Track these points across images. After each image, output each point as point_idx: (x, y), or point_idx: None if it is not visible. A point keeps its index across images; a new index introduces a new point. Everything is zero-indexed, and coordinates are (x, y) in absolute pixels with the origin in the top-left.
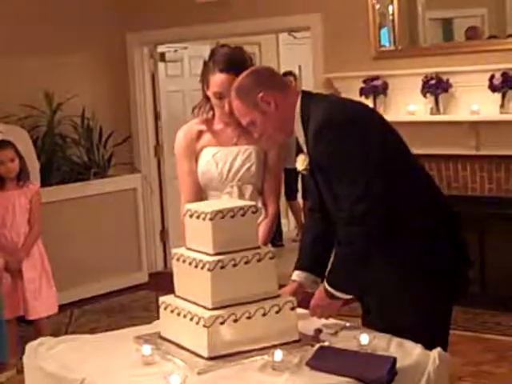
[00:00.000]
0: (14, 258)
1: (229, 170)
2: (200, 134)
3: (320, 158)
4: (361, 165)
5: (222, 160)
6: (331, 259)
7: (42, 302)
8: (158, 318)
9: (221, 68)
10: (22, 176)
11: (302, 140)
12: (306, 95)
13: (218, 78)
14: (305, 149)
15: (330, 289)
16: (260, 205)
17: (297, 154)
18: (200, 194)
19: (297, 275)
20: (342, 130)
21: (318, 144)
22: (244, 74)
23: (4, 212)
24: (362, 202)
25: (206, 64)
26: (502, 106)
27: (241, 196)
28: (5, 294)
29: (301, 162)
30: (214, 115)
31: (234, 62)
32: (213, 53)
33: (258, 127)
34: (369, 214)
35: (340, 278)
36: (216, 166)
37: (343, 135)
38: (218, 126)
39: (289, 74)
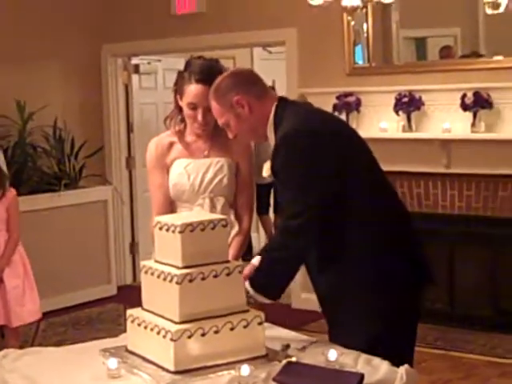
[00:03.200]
0: None
1: (201, 182)
2: (171, 145)
3: (276, 167)
4: (305, 185)
5: (194, 172)
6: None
7: (25, 309)
8: (125, 330)
9: (197, 78)
10: (1, 186)
11: (273, 146)
12: (282, 103)
13: (193, 89)
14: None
15: (250, 290)
16: (232, 218)
17: None
18: (170, 206)
19: (257, 260)
20: (297, 149)
21: (277, 154)
22: (224, 74)
23: None
24: (296, 220)
25: (180, 74)
26: (473, 124)
27: (212, 208)
28: None
29: (266, 168)
30: (185, 126)
31: (210, 73)
32: (188, 64)
33: (232, 129)
34: (301, 232)
35: (259, 282)
36: (188, 177)
37: (296, 155)
38: (189, 137)
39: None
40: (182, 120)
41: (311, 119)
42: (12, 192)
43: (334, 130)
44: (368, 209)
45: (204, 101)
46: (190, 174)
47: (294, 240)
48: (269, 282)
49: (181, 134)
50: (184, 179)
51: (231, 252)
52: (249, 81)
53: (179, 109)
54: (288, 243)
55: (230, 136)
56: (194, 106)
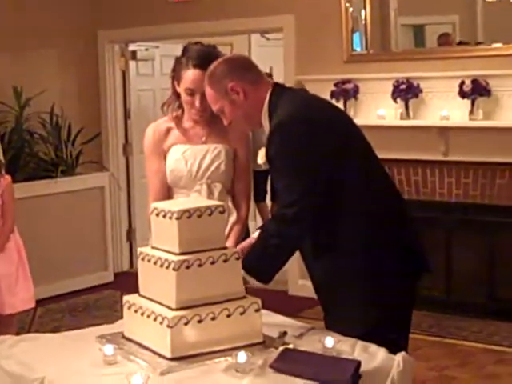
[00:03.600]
0: None
1: (198, 168)
2: (168, 131)
3: (270, 154)
4: (300, 173)
5: (192, 158)
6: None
7: (19, 297)
8: (122, 317)
9: (194, 64)
10: None
11: (267, 132)
12: (277, 90)
13: (191, 74)
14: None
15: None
16: (230, 204)
17: None
18: (167, 193)
19: (257, 234)
20: (292, 136)
21: (271, 141)
22: (218, 60)
23: None
24: (291, 208)
25: (178, 60)
26: (471, 112)
27: (210, 194)
28: None
29: (261, 156)
30: (183, 112)
31: (208, 58)
32: (186, 49)
33: (227, 115)
34: (296, 221)
35: (257, 266)
36: (185, 163)
37: (291, 142)
38: (187, 123)
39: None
40: (180, 106)
41: (307, 106)
42: (7, 179)
43: (330, 117)
44: (363, 197)
45: (201, 86)
46: (188, 159)
47: (288, 228)
48: (260, 266)
49: (178, 120)
50: (181, 165)
51: (230, 240)
52: (243, 67)
53: (177, 95)
54: (282, 231)
55: (225, 123)
56: (191, 92)
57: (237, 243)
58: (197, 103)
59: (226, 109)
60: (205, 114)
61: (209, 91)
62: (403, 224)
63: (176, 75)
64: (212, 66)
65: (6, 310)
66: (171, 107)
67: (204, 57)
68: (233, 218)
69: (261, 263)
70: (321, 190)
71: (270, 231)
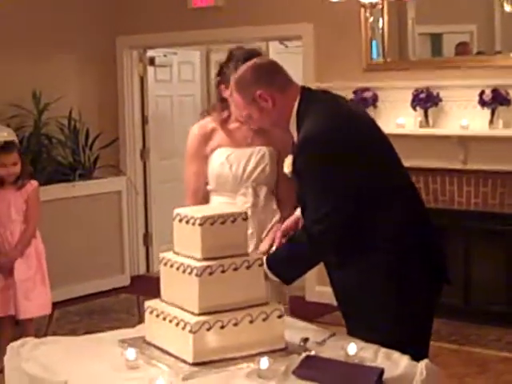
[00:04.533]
0: (7, 257)
1: (243, 172)
2: (213, 131)
3: (298, 168)
4: (328, 190)
5: (236, 162)
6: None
7: (35, 302)
8: (138, 321)
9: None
10: (22, 178)
11: (295, 139)
12: (306, 96)
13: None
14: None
15: (265, 266)
16: (274, 206)
17: None
18: (203, 196)
19: (299, 211)
20: (320, 152)
21: (299, 154)
22: (246, 66)
23: (1, 211)
24: (319, 225)
25: (225, 65)
26: (491, 121)
27: (255, 197)
28: None
29: (287, 165)
30: (229, 116)
31: None
32: (231, 54)
33: (254, 121)
34: (322, 237)
35: (281, 267)
36: (230, 167)
37: (318, 158)
38: (232, 124)
39: None
40: (224, 108)
41: (335, 119)
42: (33, 184)
43: (358, 128)
44: (389, 212)
45: None
46: (232, 163)
47: (314, 244)
48: (284, 269)
49: (224, 122)
50: (226, 169)
51: (269, 236)
52: (272, 73)
53: (222, 100)
54: (309, 245)
55: (252, 127)
56: None
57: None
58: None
59: (254, 115)
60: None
61: (236, 97)
62: (429, 236)
63: (224, 80)
64: (239, 72)
65: (21, 315)
66: (217, 111)
67: (251, 59)
68: (276, 218)
69: (284, 266)
70: (349, 207)
71: (298, 238)
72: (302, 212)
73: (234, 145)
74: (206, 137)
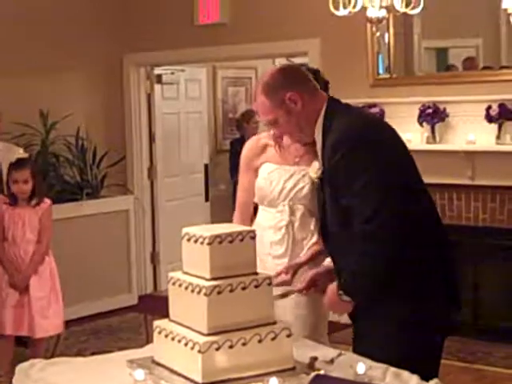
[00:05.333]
0: (21, 275)
1: (281, 190)
2: (265, 147)
3: (335, 169)
4: (374, 184)
5: (276, 179)
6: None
7: (50, 321)
8: (146, 340)
9: None
10: (36, 196)
11: (318, 146)
12: (333, 103)
13: None
14: (319, 156)
15: (342, 294)
16: (312, 227)
17: None
18: (249, 210)
19: (328, 261)
20: (361, 146)
21: (335, 154)
22: (273, 70)
23: (14, 228)
24: (370, 224)
25: None
26: (498, 137)
27: (291, 216)
28: (10, 310)
29: (314, 170)
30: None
31: None
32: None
33: (280, 126)
34: (378, 234)
35: (353, 288)
36: (270, 184)
37: (361, 152)
38: (284, 141)
39: None
40: None
41: (366, 121)
42: (47, 203)
43: (388, 132)
44: (420, 219)
45: None
46: (273, 180)
47: (370, 245)
48: (355, 286)
49: (278, 138)
50: (266, 184)
51: (305, 254)
52: (301, 77)
53: None
54: (366, 249)
55: (274, 134)
56: None
57: (309, 260)
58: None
59: (280, 119)
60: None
61: (263, 100)
62: (447, 260)
63: None
64: (267, 76)
65: (37, 334)
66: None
67: None
68: (313, 240)
69: (355, 283)
70: (396, 202)
71: (357, 250)
72: (322, 227)
73: (282, 162)
74: (259, 150)
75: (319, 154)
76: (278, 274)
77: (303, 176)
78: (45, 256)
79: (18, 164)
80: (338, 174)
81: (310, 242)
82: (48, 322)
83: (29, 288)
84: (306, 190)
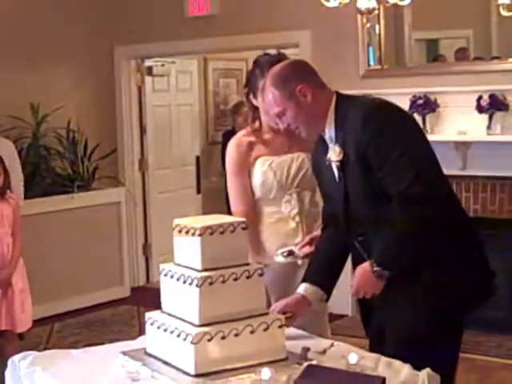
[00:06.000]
0: (6, 270)
1: (287, 177)
2: (251, 144)
3: (369, 139)
4: (411, 152)
5: (279, 168)
6: (383, 241)
7: (27, 314)
8: (139, 332)
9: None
10: (5, 189)
11: (329, 136)
12: (342, 95)
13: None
14: (330, 144)
15: (378, 269)
16: (295, 248)
17: None
18: (254, 209)
19: (304, 289)
20: (391, 118)
21: (367, 126)
22: (283, 63)
23: None
24: (416, 186)
25: (251, 73)
26: (488, 127)
27: (300, 203)
28: None
29: (336, 153)
30: (260, 125)
31: None
32: (257, 62)
33: (288, 119)
34: (426, 196)
35: (391, 258)
36: (274, 174)
37: (392, 123)
38: (266, 135)
39: None
40: (255, 119)
41: (390, 102)
42: (16, 196)
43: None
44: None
45: None
46: (275, 170)
47: (418, 207)
48: (395, 258)
49: (257, 133)
50: (270, 176)
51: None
52: (311, 70)
53: (254, 109)
54: (413, 212)
55: (281, 126)
56: None
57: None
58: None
59: (288, 112)
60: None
61: (273, 92)
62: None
63: (252, 88)
64: (277, 68)
65: (19, 328)
66: (249, 121)
67: (277, 64)
68: (320, 222)
69: (397, 255)
70: (433, 168)
71: (398, 220)
72: (344, 209)
73: (273, 153)
74: (246, 150)
75: (331, 141)
76: (303, 246)
77: (302, 161)
78: (21, 250)
79: None
80: (371, 149)
81: (318, 224)
82: (26, 315)
83: (11, 283)
84: (310, 173)
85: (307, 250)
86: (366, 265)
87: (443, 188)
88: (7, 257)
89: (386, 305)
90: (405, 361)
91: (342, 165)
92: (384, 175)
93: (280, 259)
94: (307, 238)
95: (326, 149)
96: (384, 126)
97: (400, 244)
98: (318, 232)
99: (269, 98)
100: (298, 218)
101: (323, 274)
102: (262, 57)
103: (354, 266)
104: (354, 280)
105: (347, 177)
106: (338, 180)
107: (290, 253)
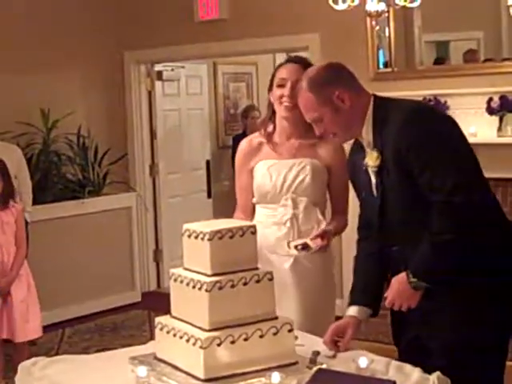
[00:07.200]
0: (5, 279)
1: (283, 182)
2: (260, 145)
3: (410, 144)
4: (455, 153)
5: (276, 172)
6: (420, 251)
7: (30, 325)
8: (150, 337)
9: (287, 60)
10: (6, 197)
11: (367, 141)
12: (380, 98)
13: (283, 67)
14: (368, 148)
15: (414, 280)
16: (319, 216)
17: None
18: (250, 210)
19: (353, 311)
20: (435, 118)
21: (408, 130)
22: (321, 66)
23: None
24: (459, 193)
25: (272, 74)
26: (499, 129)
27: (295, 208)
28: None
29: (373, 159)
30: (274, 129)
31: (299, 57)
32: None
33: (325, 124)
34: (467, 205)
35: (429, 269)
36: (270, 178)
37: (436, 123)
38: (278, 138)
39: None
40: (271, 120)
41: (431, 105)
42: (20, 205)
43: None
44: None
45: (293, 75)
46: (272, 174)
47: (459, 215)
48: (432, 268)
49: (270, 136)
50: (267, 180)
51: (331, 226)
52: (348, 73)
53: (272, 109)
54: (452, 220)
55: (317, 132)
56: (283, 83)
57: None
58: (287, 91)
59: (325, 117)
60: (293, 101)
61: (308, 97)
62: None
63: (271, 85)
64: (313, 71)
65: (18, 338)
66: (265, 125)
67: (293, 56)
68: (322, 226)
69: (431, 265)
70: (473, 176)
71: (436, 230)
72: (380, 216)
73: (279, 157)
74: (253, 151)
75: (369, 147)
76: (315, 238)
77: (303, 167)
78: (24, 260)
79: None
80: (412, 154)
81: (317, 231)
82: (28, 326)
83: (11, 292)
84: (307, 180)
85: (320, 242)
86: (401, 276)
87: (484, 194)
88: (8, 265)
89: (425, 317)
90: (455, 370)
91: (380, 170)
92: (424, 181)
93: (293, 252)
94: (319, 231)
95: (362, 154)
96: (426, 130)
97: (438, 254)
98: (330, 227)
99: (304, 103)
100: (289, 224)
101: (368, 294)
102: (290, 57)
103: (391, 275)
104: (389, 291)
105: (384, 182)
106: (374, 186)
107: (305, 246)
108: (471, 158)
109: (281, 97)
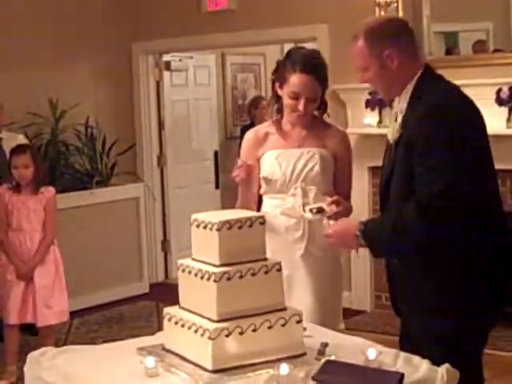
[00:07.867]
0: (27, 264)
1: (292, 171)
2: (267, 135)
3: (418, 136)
4: (448, 162)
5: (285, 161)
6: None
7: (54, 310)
8: (158, 328)
9: (301, 69)
10: (36, 182)
11: (399, 109)
12: (429, 72)
13: (297, 78)
14: (399, 119)
15: (359, 234)
16: (325, 206)
17: None
18: (255, 200)
19: None
20: (446, 121)
21: (426, 118)
22: (382, 19)
23: (18, 216)
24: (443, 200)
25: (281, 63)
26: (508, 120)
27: (305, 198)
28: (15, 300)
29: (393, 132)
30: (281, 116)
31: (314, 64)
32: (290, 53)
33: (368, 76)
34: (442, 216)
35: (377, 239)
36: (279, 167)
37: (445, 127)
38: (285, 126)
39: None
40: (279, 110)
41: (465, 96)
42: (51, 191)
43: (477, 111)
44: (494, 196)
45: (307, 91)
46: (282, 163)
47: (432, 224)
48: (380, 243)
49: (278, 124)
50: (276, 169)
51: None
52: (407, 34)
53: (277, 98)
54: (422, 223)
55: (360, 80)
56: (295, 96)
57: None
58: (300, 107)
59: (371, 70)
60: (306, 118)
61: (362, 45)
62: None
63: (279, 78)
64: (373, 22)
65: (40, 323)
66: (271, 109)
67: (310, 62)
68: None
69: (381, 238)
70: (465, 185)
71: (407, 218)
72: (382, 195)
73: (287, 146)
74: (259, 141)
75: (399, 117)
76: (330, 204)
77: (312, 156)
78: (50, 246)
79: (17, 149)
80: (418, 143)
81: (325, 221)
82: (50, 311)
83: (33, 277)
84: (317, 169)
85: (335, 208)
86: (354, 222)
87: (478, 201)
88: (31, 252)
89: (408, 305)
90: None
91: (396, 144)
92: (417, 174)
93: (308, 215)
94: (334, 197)
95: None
96: (440, 124)
97: (393, 237)
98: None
99: (356, 48)
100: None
101: None
102: (296, 49)
103: (386, 265)
104: (335, 225)
105: (397, 156)
106: (388, 157)
107: (320, 210)
108: (473, 169)
109: (293, 107)
